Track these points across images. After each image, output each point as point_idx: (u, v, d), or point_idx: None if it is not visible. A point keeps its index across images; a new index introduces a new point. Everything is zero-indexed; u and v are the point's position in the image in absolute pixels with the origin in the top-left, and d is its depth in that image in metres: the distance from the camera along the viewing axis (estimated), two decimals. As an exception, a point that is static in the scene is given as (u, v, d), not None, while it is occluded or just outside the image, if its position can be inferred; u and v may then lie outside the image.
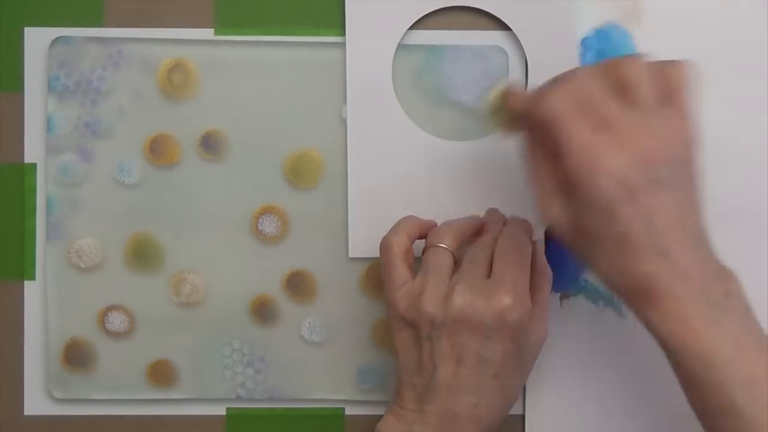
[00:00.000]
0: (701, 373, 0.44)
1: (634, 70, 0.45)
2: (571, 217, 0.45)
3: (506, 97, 0.49)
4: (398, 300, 0.49)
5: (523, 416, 0.57)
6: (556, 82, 0.46)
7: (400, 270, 0.50)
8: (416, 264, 0.52)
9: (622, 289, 0.45)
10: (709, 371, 0.44)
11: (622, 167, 0.43)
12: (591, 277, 0.57)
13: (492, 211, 0.55)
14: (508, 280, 0.48)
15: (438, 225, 0.53)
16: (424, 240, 0.52)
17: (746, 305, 0.45)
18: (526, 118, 0.47)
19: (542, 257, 0.53)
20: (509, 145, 0.56)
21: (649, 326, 0.45)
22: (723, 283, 0.45)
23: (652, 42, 0.56)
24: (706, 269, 0.45)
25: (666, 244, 0.44)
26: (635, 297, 0.45)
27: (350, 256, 0.56)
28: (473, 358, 0.48)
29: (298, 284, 0.57)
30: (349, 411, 0.57)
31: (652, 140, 0.43)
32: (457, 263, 0.50)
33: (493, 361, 0.48)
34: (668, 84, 0.45)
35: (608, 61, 0.46)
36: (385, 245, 0.51)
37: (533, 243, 0.53)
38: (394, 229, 0.51)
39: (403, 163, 0.56)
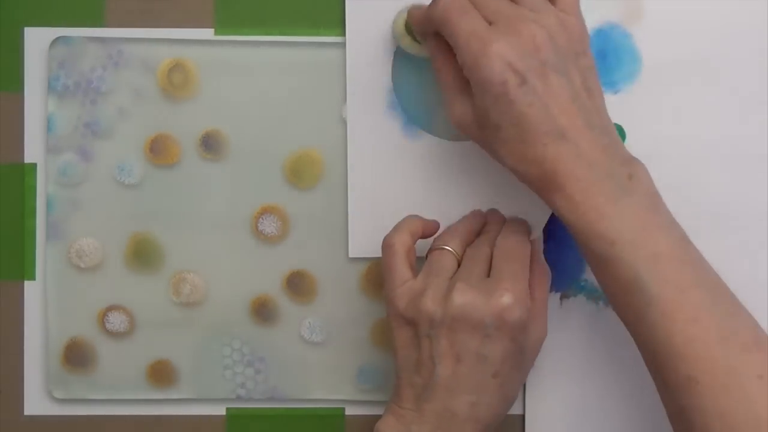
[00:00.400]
0: (606, 251, 0.45)
1: None
2: (472, 110, 0.48)
3: (410, 12, 0.52)
4: (398, 298, 0.49)
5: (523, 416, 0.57)
6: None
7: (401, 269, 0.50)
8: (418, 264, 0.52)
9: (529, 178, 0.47)
10: (613, 248, 0.45)
11: (511, 50, 0.45)
12: (591, 277, 0.57)
13: (492, 212, 0.55)
14: (507, 279, 0.48)
15: (439, 224, 0.53)
16: (425, 239, 0.52)
17: (652, 190, 0.47)
18: (427, 25, 0.50)
19: (541, 256, 0.53)
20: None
21: (558, 212, 0.47)
22: (627, 167, 0.47)
23: (652, 42, 0.56)
24: (609, 153, 0.46)
25: (563, 127, 0.46)
26: (541, 184, 0.47)
27: (350, 256, 0.56)
28: (472, 357, 0.48)
29: (298, 284, 0.57)
30: (349, 411, 0.57)
31: (539, 27, 0.46)
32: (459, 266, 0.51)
33: (493, 359, 0.48)
34: None
35: None
36: (387, 243, 0.51)
37: (533, 241, 0.53)
38: (397, 228, 0.52)
39: (403, 163, 0.56)
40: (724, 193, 0.56)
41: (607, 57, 0.56)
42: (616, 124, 0.56)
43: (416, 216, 0.53)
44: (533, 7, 0.47)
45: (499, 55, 0.45)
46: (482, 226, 0.54)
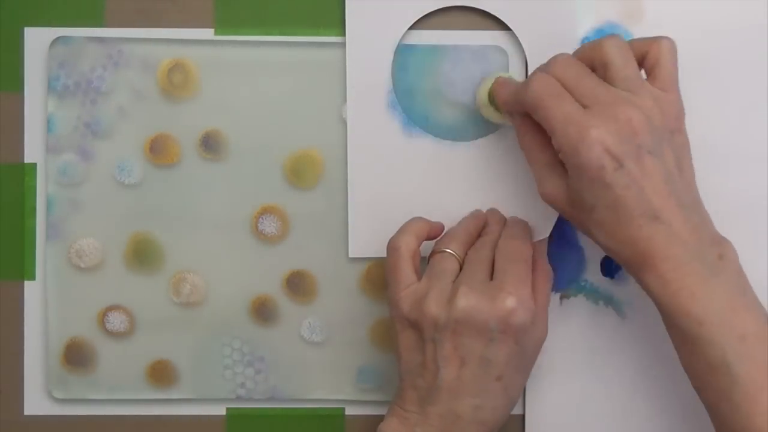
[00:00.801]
0: (694, 330, 0.45)
1: (612, 48, 0.47)
2: (566, 191, 0.48)
3: (496, 88, 0.52)
4: (402, 301, 0.49)
5: (523, 416, 0.57)
6: (540, 69, 0.49)
7: (406, 271, 0.50)
8: (422, 266, 0.52)
9: (621, 257, 0.47)
10: (701, 328, 0.45)
11: (608, 135, 0.45)
12: (591, 277, 0.57)
13: (492, 212, 0.55)
14: (511, 281, 0.48)
15: (444, 226, 0.53)
16: (430, 241, 0.52)
17: (739, 270, 0.47)
18: (516, 106, 0.50)
19: (545, 258, 0.53)
20: (509, 146, 0.56)
21: (648, 290, 0.47)
22: (717, 247, 0.47)
23: (652, 42, 0.56)
24: (700, 233, 0.46)
25: (657, 209, 0.45)
26: (633, 263, 0.47)
27: (350, 256, 0.56)
28: (477, 360, 0.48)
29: (298, 284, 0.57)
30: (349, 411, 0.57)
31: (636, 110, 0.46)
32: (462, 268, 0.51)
33: (497, 362, 0.48)
34: (649, 60, 0.48)
35: (588, 44, 0.49)
36: (393, 246, 0.51)
37: (537, 243, 0.53)
38: (403, 230, 0.52)
39: (403, 164, 0.56)
40: (724, 193, 0.56)
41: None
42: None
43: (421, 218, 0.53)
44: (629, 87, 0.47)
45: (597, 141, 0.45)
46: (482, 226, 0.54)
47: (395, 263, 0.50)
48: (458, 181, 0.56)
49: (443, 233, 0.53)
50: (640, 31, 0.56)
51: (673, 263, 0.45)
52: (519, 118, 0.50)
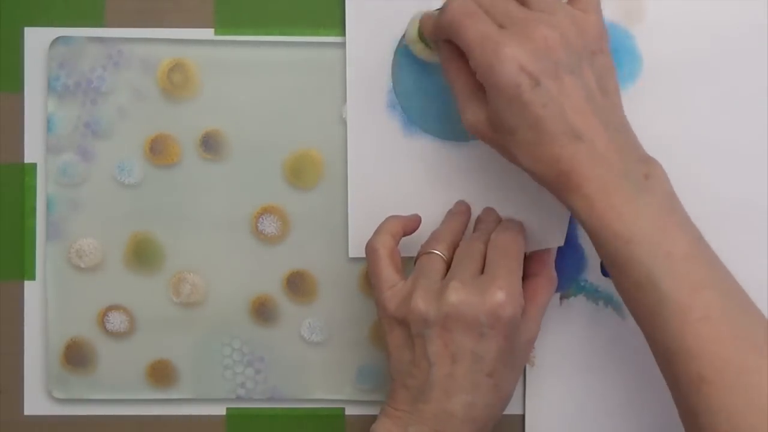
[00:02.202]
0: (622, 250, 0.45)
1: None
2: (487, 114, 0.48)
3: (422, 20, 0.52)
4: (388, 300, 0.49)
5: (523, 416, 0.57)
6: None
7: (387, 271, 0.50)
8: (407, 267, 0.52)
9: (546, 179, 0.47)
10: (628, 246, 0.45)
11: (524, 53, 0.45)
12: (591, 277, 0.57)
13: (487, 210, 0.55)
14: (501, 276, 0.48)
15: (420, 218, 0.53)
16: (407, 236, 0.53)
17: (668, 189, 0.47)
18: (437, 33, 0.50)
19: (552, 263, 0.53)
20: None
21: (574, 212, 0.47)
22: (643, 166, 0.47)
23: (653, 42, 0.56)
24: (625, 153, 0.46)
25: (578, 128, 0.45)
26: (558, 184, 0.46)
27: (350, 256, 0.56)
28: (468, 356, 0.48)
29: (298, 284, 0.57)
30: (349, 411, 0.57)
31: (551, 29, 0.46)
32: (449, 268, 0.51)
33: (488, 358, 0.48)
34: None
35: None
36: (370, 248, 0.51)
37: (546, 251, 0.53)
38: (378, 231, 0.52)
39: (403, 164, 0.56)
40: (724, 193, 0.56)
41: (607, 57, 0.56)
42: (616, 124, 0.56)
43: (395, 216, 0.53)
44: (545, 8, 0.47)
45: (511, 58, 0.45)
46: (467, 222, 0.54)
47: (375, 265, 0.50)
48: (458, 181, 0.56)
49: (430, 235, 0.53)
50: (641, 30, 0.56)
51: (598, 183, 0.45)
52: (443, 47, 0.50)
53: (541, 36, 0.45)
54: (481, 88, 0.47)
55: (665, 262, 0.45)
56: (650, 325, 0.46)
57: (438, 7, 0.51)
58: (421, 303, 0.48)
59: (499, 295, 0.47)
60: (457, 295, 0.48)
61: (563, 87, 0.45)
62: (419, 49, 0.54)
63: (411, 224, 0.53)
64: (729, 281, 0.46)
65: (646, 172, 0.46)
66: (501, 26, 0.46)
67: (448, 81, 0.50)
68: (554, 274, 0.53)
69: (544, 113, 0.45)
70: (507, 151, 0.48)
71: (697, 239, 0.46)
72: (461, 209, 0.55)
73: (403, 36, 0.55)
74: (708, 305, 0.44)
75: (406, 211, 0.54)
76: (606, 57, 0.48)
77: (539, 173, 0.47)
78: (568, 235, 0.55)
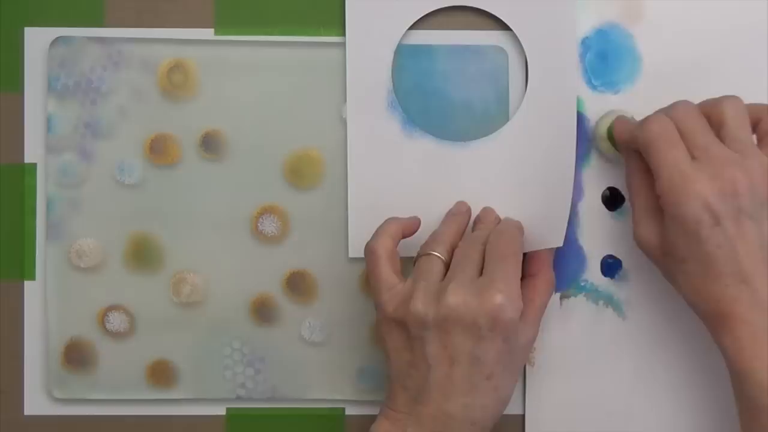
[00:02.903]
0: (763, 401, 0.46)
1: (730, 109, 0.49)
2: (661, 237, 0.49)
3: (617, 123, 0.53)
4: (386, 302, 0.49)
5: (523, 416, 0.57)
6: (661, 110, 0.50)
7: (386, 273, 0.50)
8: (406, 268, 0.51)
9: (702, 311, 0.48)
10: None
11: (711, 193, 0.46)
12: (591, 278, 0.57)
13: (486, 211, 0.55)
14: (500, 278, 0.48)
15: (420, 221, 0.53)
16: (407, 239, 0.53)
17: None
18: (630, 142, 0.51)
19: (551, 265, 0.53)
20: (509, 146, 0.56)
21: (722, 350, 0.48)
22: None
23: (652, 42, 0.56)
24: None
25: (747, 271, 0.47)
26: (713, 319, 0.48)
27: (350, 256, 0.56)
28: (466, 358, 0.48)
29: (298, 284, 0.57)
30: (349, 411, 0.57)
31: (742, 172, 0.47)
32: (448, 270, 0.51)
33: (486, 360, 0.48)
34: (763, 126, 0.50)
35: (709, 100, 0.50)
36: (369, 250, 0.51)
37: (545, 251, 0.53)
38: (377, 233, 0.52)
39: (403, 163, 0.56)
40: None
41: (607, 57, 0.56)
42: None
43: (395, 218, 0.53)
44: (740, 149, 0.48)
45: (699, 195, 0.46)
46: (467, 223, 0.54)
47: (374, 266, 0.50)
48: (458, 181, 0.56)
49: (430, 236, 0.53)
50: (641, 31, 0.56)
51: (753, 329, 0.46)
52: (631, 156, 0.51)
53: (730, 178, 0.46)
54: (659, 208, 0.49)
55: None
56: None
57: (624, 113, 0.53)
58: (420, 305, 0.48)
59: (498, 298, 0.47)
60: (456, 297, 0.48)
61: (741, 231, 0.47)
62: (605, 147, 0.55)
63: (410, 226, 0.53)
64: None
65: None
66: (694, 157, 0.47)
67: (629, 190, 0.52)
68: (552, 274, 0.53)
69: (718, 252, 0.47)
70: (671, 276, 0.49)
71: None
72: (461, 210, 0.55)
73: (594, 127, 0.56)
74: None
75: (406, 211, 0.54)
76: None
77: (697, 306, 0.48)
78: (568, 235, 0.55)
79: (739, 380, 0.47)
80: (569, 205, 0.54)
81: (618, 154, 0.54)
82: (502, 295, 0.47)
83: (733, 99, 0.49)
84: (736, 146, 0.48)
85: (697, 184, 0.47)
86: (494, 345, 0.48)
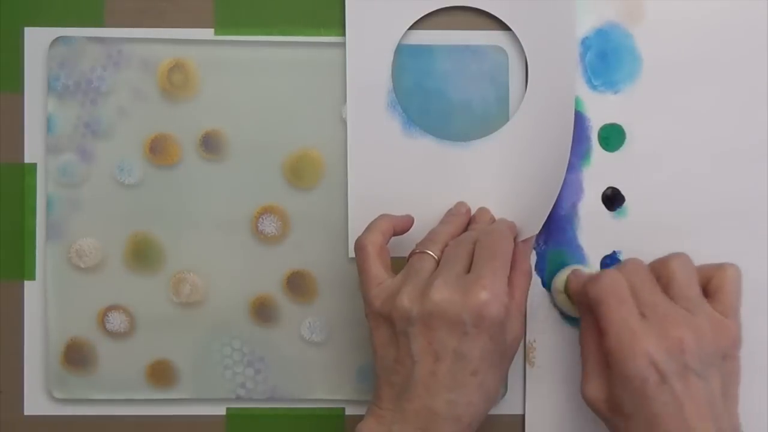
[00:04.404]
0: None
1: (679, 266, 0.49)
2: (608, 394, 0.48)
3: (570, 277, 0.53)
4: (374, 297, 0.50)
5: (523, 416, 0.57)
6: (611, 268, 0.50)
7: (375, 268, 0.50)
8: (396, 267, 0.52)
9: None
10: None
11: (658, 350, 0.46)
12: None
13: (481, 211, 0.55)
14: (486, 275, 0.48)
15: (413, 219, 0.53)
16: (399, 236, 0.53)
17: None
18: (582, 297, 0.50)
19: (527, 258, 0.53)
20: (508, 146, 0.56)
21: None
22: None
23: (652, 42, 0.56)
24: None
25: (694, 430, 0.46)
26: None
27: (350, 256, 0.56)
28: (451, 355, 0.48)
29: (298, 284, 0.57)
30: (349, 411, 0.57)
31: (690, 331, 0.47)
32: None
33: (471, 357, 0.48)
34: (713, 284, 0.49)
35: (658, 259, 0.50)
36: (359, 245, 0.51)
37: (524, 242, 0.53)
38: (368, 229, 0.52)
39: (403, 163, 0.56)
40: (724, 193, 0.56)
41: (607, 57, 0.56)
42: (615, 125, 0.56)
43: (387, 215, 0.53)
44: (688, 306, 0.48)
45: (645, 352, 0.46)
46: (465, 223, 0.54)
47: (364, 261, 0.51)
48: (458, 181, 0.56)
49: (426, 234, 0.53)
50: (641, 31, 0.56)
51: None
52: (584, 312, 0.51)
53: (677, 336, 0.46)
54: (608, 365, 0.48)
55: None
56: None
57: (579, 267, 0.53)
58: (406, 300, 0.48)
59: (483, 295, 0.47)
60: (441, 293, 0.48)
61: (688, 389, 0.46)
62: (561, 300, 0.55)
63: (402, 224, 0.53)
64: None
65: None
66: (643, 315, 0.47)
67: (580, 344, 0.51)
68: (530, 265, 0.53)
69: (664, 410, 0.46)
70: (615, 430, 0.49)
71: None
72: (461, 211, 0.55)
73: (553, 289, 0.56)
74: None
75: (405, 211, 0.54)
76: (735, 363, 0.49)
77: None
78: (568, 235, 0.55)
79: None
80: (555, 197, 0.54)
81: (574, 309, 0.55)
82: (487, 292, 0.47)
83: (681, 256, 0.50)
84: (684, 304, 0.48)
85: (644, 342, 0.46)
86: (479, 342, 0.48)
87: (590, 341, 0.50)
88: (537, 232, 0.54)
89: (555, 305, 0.56)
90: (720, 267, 0.50)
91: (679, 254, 0.50)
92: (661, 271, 0.50)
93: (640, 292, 0.48)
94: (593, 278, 0.49)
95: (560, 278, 0.55)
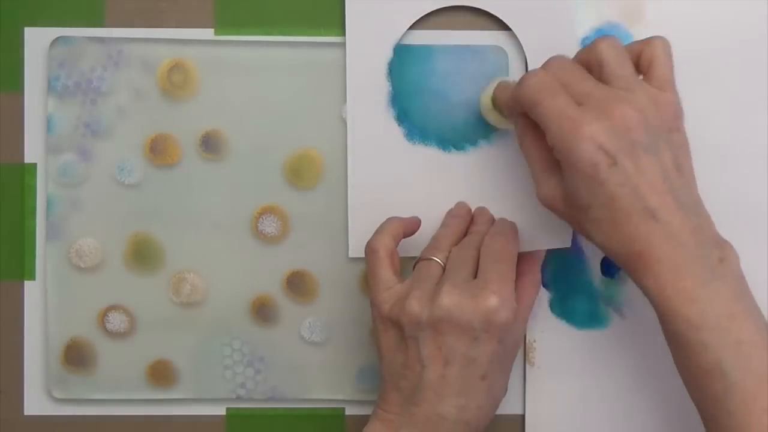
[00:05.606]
0: (690, 334, 0.45)
1: (607, 48, 0.47)
2: (562, 190, 0.47)
3: (497, 90, 0.52)
4: (383, 301, 0.50)
5: (523, 416, 0.57)
6: (536, 68, 0.48)
7: (385, 272, 0.50)
8: (407, 268, 0.52)
9: (619, 257, 0.46)
10: (698, 333, 0.44)
11: (602, 132, 0.45)
12: (591, 277, 0.57)
13: (480, 211, 0.55)
14: (494, 280, 0.48)
15: (420, 220, 0.53)
16: (407, 239, 0.53)
17: (740, 274, 0.46)
18: (514, 106, 0.49)
19: (538, 267, 0.53)
20: (509, 146, 0.56)
21: (645, 292, 0.46)
22: (718, 249, 0.46)
23: (652, 42, 0.56)
24: (700, 235, 0.46)
25: (653, 207, 0.45)
26: (630, 263, 0.46)
27: (350, 256, 0.56)
28: (460, 360, 0.48)
29: (298, 284, 0.57)
30: (349, 411, 0.57)
31: (630, 107, 0.45)
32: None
33: (480, 362, 0.48)
34: (644, 60, 0.48)
35: (584, 48, 0.49)
36: (370, 248, 0.51)
37: (534, 252, 0.53)
38: (379, 231, 0.52)
39: (403, 163, 0.56)
40: (724, 193, 0.56)
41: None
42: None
43: (396, 217, 0.53)
44: (624, 85, 0.46)
45: (590, 137, 0.45)
46: (468, 225, 0.54)
47: (374, 265, 0.51)
48: (457, 181, 0.56)
49: (430, 240, 0.53)
50: (641, 31, 0.56)
51: (671, 265, 0.45)
52: (519, 119, 0.50)
53: (620, 115, 0.45)
54: (556, 163, 0.47)
55: (735, 349, 0.44)
56: (714, 411, 0.45)
57: (504, 78, 0.52)
58: (416, 305, 0.48)
59: (492, 300, 0.47)
60: (450, 298, 0.48)
61: (640, 166, 0.45)
62: (494, 118, 0.54)
63: (411, 226, 0.53)
64: None
65: (721, 255, 0.46)
66: (579, 103, 0.46)
67: (524, 153, 0.50)
68: (539, 276, 0.53)
69: (620, 192, 0.45)
70: (580, 227, 0.48)
71: (765, 326, 0.45)
72: (461, 212, 0.55)
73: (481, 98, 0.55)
74: None
75: (405, 211, 0.54)
76: (681, 135, 0.48)
77: (612, 251, 0.46)
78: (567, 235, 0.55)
79: (665, 320, 0.46)
80: None
81: (506, 122, 0.53)
82: (496, 297, 0.47)
83: (608, 38, 0.48)
84: (620, 83, 0.46)
85: (586, 127, 0.44)
86: (488, 346, 0.48)
87: (532, 146, 0.49)
88: (568, 244, 0.54)
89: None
90: (647, 40, 0.49)
91: (604, 36, 0.48)
92: (589, 58, 0.48)
93: (571, 84, 0.47)
94: (520, 82, 0.48)
95: (486, 95, 0.54)
